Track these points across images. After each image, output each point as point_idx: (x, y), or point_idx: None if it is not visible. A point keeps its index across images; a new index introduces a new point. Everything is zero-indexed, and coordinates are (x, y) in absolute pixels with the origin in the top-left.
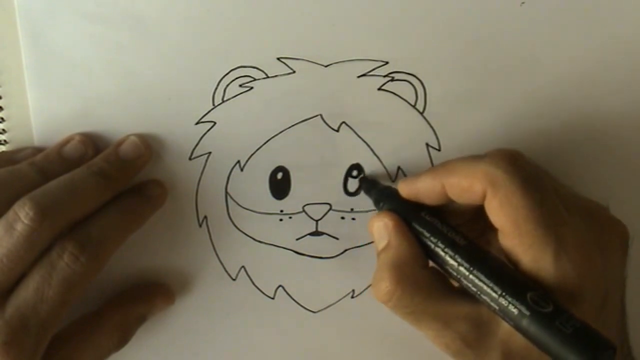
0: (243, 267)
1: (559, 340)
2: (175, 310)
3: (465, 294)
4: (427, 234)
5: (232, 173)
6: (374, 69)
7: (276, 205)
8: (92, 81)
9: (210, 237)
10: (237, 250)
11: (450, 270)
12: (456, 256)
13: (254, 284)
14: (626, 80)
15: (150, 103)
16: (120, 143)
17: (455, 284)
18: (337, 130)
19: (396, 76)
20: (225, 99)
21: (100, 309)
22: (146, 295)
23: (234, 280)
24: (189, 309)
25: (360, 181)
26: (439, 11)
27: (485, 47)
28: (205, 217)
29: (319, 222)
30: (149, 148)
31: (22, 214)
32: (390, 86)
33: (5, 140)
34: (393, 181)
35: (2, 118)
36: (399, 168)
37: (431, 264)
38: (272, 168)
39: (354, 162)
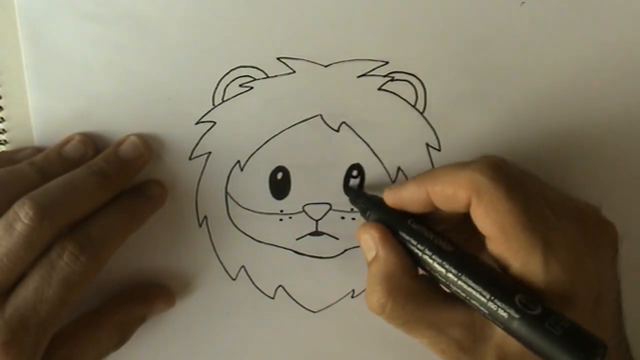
0: (243, 267)
1: (549, 342)
2: (175, 310)
3: (457, 300)
4: (414, 242)
5: (232, 173)
6: (374, 69)
7: (276, 205)
8: (92, 81)
9: (210, 237)
10: (237, 250)
11: (439, 277)
12: (444, 263)
13: (254, 283)
14: (626, 81)
15: (150, 103)
16: (120, 143)
17: (447, 290)
18: (337, 130)
19: (396, 76)
20: (225, 99)
21: (100, 308)
22: (147, 296)
23: (234, 280)
24: (189, 309)
25: (346, 191)
26: (439, 11)
27: (485, 47)
28: (205, 217)
29: (319, 222)
30: (148, 148)
31: (22, 214)
32: (390, 86)
33: (5, 140)
34: (393, 181)
35: (2, 118)
36: (399, 168)
37: (421, 271)
38: (272, 168)
39: (354, 162)
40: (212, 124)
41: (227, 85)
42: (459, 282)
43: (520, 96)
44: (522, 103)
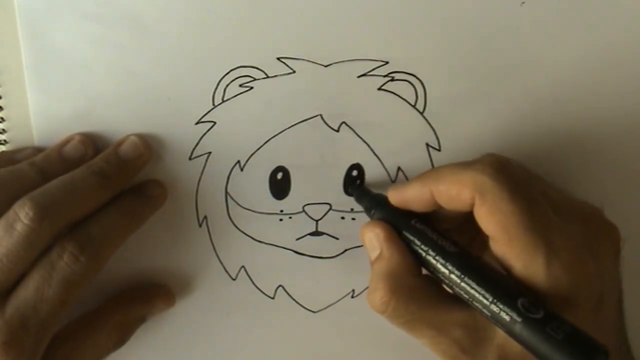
0: (243, 267)
1: (551, 346)
2: (175, 310)
3: (459, 300)
4: (418, 242)
5: (232, 173)
6: (374, 69)
7: (276, 205)
8: (92, 81)
9: (210, 237)
10: (237, 250)
11: (442, 278)
12: (447, 264)
13: (254, 283)
14: (626, 81)
15: (150, 103)
16: (120, 143)
17: (450, 291)
18: (337, 131)
19: (396, 76)
20: (225, 98)
21: (100, 309)
22: (147, 296)
23: (234, 280)
24: (189, 309)
25: (351, 190)
26: (439, 11)
27: (485, 47)
28: (205, 217)
29: (319, 222)
30: (148, 148)
31: (22, 214)
32: (390, 86)
33: (5, 140)
34: (393, 181)
35: (2, 118)
36: (399, 168)
37: (424, 271)
38: (272, 168)
39: (354, 162)
40: (212, 124)
41: (227, 85)
42: (462, 283)
43: (520, 96)
44: (522, 103)
